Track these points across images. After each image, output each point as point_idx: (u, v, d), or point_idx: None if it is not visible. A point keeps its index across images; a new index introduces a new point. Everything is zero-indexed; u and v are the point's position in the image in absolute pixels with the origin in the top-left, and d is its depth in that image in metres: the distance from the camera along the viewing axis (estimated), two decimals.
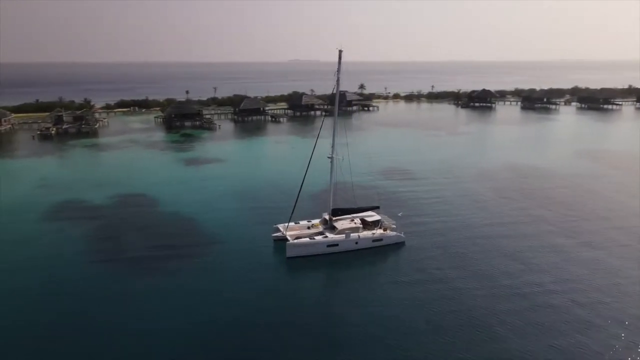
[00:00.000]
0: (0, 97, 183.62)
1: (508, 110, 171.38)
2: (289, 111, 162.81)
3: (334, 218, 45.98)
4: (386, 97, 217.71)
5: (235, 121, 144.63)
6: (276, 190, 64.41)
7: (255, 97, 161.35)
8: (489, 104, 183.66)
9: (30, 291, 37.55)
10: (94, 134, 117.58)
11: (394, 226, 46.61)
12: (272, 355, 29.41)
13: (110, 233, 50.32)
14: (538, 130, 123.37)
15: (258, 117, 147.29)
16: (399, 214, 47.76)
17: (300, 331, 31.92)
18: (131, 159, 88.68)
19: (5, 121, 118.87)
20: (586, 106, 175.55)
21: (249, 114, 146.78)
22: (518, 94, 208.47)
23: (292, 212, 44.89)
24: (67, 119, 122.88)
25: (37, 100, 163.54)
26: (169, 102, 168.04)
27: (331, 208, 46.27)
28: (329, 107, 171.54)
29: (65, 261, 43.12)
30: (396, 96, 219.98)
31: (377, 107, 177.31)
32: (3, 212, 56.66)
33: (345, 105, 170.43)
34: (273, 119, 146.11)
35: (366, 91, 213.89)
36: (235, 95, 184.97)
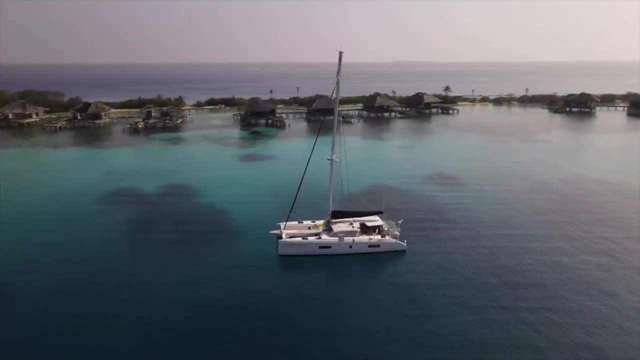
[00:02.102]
0: (108, 94, 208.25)
1: (610, 117, 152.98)
2: (363, 112, 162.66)
3: (333, 220, 45.79)
4: (473, 100, 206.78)
5: (308, 121, 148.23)
6: (319, 189, 64.46)
7: (321, 97, 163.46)
8: (588, 109, 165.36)
9: (70, 260, 43.67)
10: (175, 128, 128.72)
11: (397, 233, 45.07)
12: (236, 347, 30.69)
13: (147, 217, 55.70)
14: (631, 140, 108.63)
15: (331, 117, 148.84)
16: (400, 221, 46.01)
17: (269, 325, 32.89)
18: (193, 152, 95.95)
19: (105, 115, 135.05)
20: None
21: (321, 114, 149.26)
22: (626, 98, 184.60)
23: (290, 211, 45.68)
24: (155, 114, 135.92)
25: (140, 97, 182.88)
26: (253, 100, 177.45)
27: (330, 210, 46.11)
28: (407, 109, 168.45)
29: (102, 238, 48.98)
30: (484, 99, 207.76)
31: (458, 110, 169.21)
32: (68, 194, 64.95)
33: (423, 107, 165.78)
34: (344, 120, 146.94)
35: (451, 93, 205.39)
36: (317, 95, 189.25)
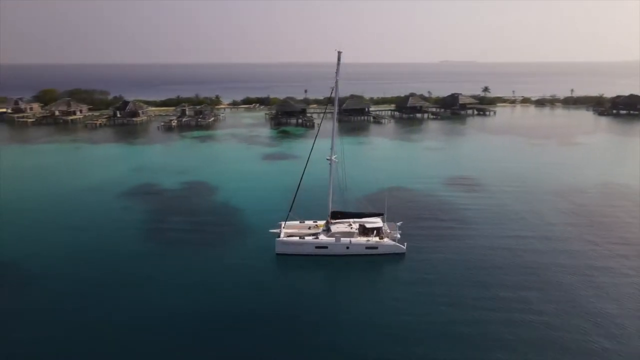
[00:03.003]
0: (150, 93, 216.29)
1: None
2: (396, 113, 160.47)
3: (333, 221, 45.43)
4: (513, 102, 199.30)
5: (339, 121, 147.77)
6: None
7: (360, 97, 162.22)
8: (637, 112, 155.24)
9: (85, 245, 46.95)
10: (207, 127, 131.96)
11: (398, 236, 44.12)
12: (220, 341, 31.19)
13: (160, 212, 57.53)
14: None
15: (362, 117, 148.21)
16: (398, 223, 44.97)
17: (259, 321, 33.29)
18: (218, 150, 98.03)
19: (142, 113, 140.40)
20: None
21: (351, 114, 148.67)
22: None
23: (290, 210, 45.70)
24: (189, 113, 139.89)
25: (178, 96, 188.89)
26: (284, 100, 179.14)
27: (330, 210, 45.73)
28: (441, 110, 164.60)
29: (116, 227, 51.73)
30: (525, 100, 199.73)
31: (495, 111, 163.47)
32: (94, 188, 67.96)
33: (458, 108, 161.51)
34: (375, 120, 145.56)
35: (490, 94, 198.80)
36: (351, 96, 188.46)
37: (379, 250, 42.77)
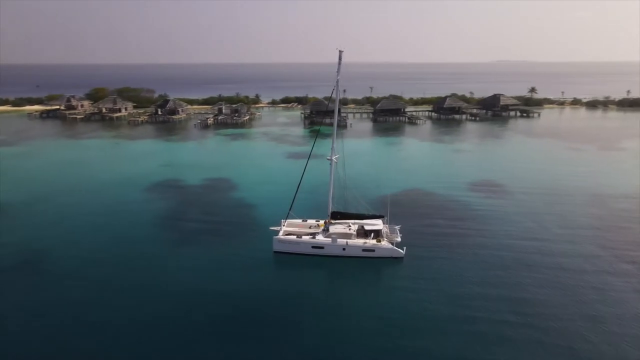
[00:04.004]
0: (194, 92, 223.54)
1: None
2: (433, 114, 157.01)
3: (332, 221, 45.24)
4: (562, 103, 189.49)
5: (374, 121, 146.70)
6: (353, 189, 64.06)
7: (397, 97, 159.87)
8: None
9: (103, 234, 49.88)
10: (241, 125, 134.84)
11: (398, 239, 43.31)
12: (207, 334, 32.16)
13: (177, 207, 59.59)
14: None
15: (397, 117, 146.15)
16: (397, 227, 44.04)
17: (246, 313, 34.15)
18: (247, 148, 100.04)
19: (182, 111, 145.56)
20: None
21: (387, 114, 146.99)
22: None
23: (290, 208, 45.98)
24: (226, 111, 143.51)
25: (219, 95, 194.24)
26: (326, 99, 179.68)
27: (330, 211, 45.55)
28: (481, 111, 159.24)
29: (135, 219, 54.39)
30: (575, 102, 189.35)
31: (539, 113, 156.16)
32: (122, 181, 71.31)
33: (499, 109, 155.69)
34: (410, 121, 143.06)
35: (537, 95, 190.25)
36: (391, 96, 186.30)
37: (376, 253, 42.14)
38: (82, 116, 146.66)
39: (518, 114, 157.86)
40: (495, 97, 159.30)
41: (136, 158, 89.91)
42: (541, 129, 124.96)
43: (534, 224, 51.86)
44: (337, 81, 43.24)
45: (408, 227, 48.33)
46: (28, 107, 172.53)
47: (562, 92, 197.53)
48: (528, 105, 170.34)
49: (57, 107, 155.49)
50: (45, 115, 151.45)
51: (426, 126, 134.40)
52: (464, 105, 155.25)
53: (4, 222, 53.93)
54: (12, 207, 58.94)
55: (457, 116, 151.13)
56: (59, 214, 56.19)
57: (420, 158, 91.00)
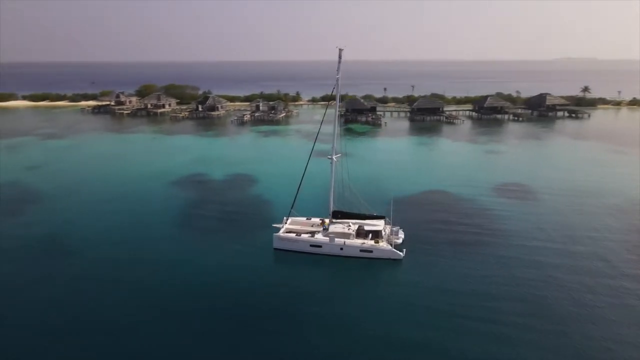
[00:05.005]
0: (238, 89, 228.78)
1: None
2: (473, 113, 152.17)
3: (334, 220, 45.33)
4: (618, 103, 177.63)
5: (411, 120, 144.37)
6: (371, 190, 62.12)
7: (433, 96, 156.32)
8: None
9: (123, 223, 53.16)
10: (276, 122, 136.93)
11: (398, 241, 42.77)
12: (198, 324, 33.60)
13: (197, 200, 62.15)
14: None
15: (435, 117, 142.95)
16: (395, 228, 43.35)
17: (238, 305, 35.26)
18: (275, 144, 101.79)
19: (221, 108, 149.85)
20: None
21: (424, 114, 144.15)
22: None
23: (292, 206, 46.47)
24: (263, 108, 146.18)
25: (261, 92, 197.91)
26: (366, 97, 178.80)
27: (331, 210, 45.61)
28: (525, 111, 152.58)
29: (159, 211, 57.11)
30: (634, 102, 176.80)
31: (589, 114, 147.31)
32: (151, 175, 74.61)
33: (545, 110, 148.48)
34: (448, 120, 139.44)
35: (590, 94, 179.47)
36: (432, 95, 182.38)
37: (374, 254, 41.81)
38: (128, 111, 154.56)
39: (566, 114, 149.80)
40: (541, 97, 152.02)
41: (170, 152, 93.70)
42: (587, 131, 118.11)
43: (552, 228, 49.46)
44: (338, 79, 43.17)
45: (418, 228, 47.81)
46: (83, 103, 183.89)
47: (619, 92, 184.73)
48: (579, 106, 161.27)
49: (108, 102, 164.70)
50: (96, 111, 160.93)
51: (464, 126, 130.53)
52: (507, 104, 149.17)
53: (39, 208, 58.30)
54: (49, 195, 63.44)
55: (499, 116, 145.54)
56: (87, 203, 60.09)
57: (447, 158, 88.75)
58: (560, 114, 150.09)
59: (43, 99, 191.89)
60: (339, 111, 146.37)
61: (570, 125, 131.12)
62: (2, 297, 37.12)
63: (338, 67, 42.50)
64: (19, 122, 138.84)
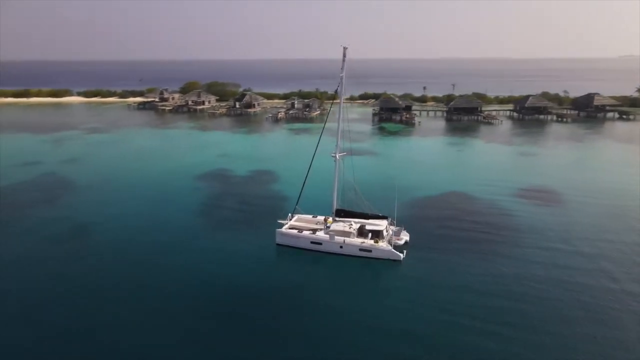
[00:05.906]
0: (277, 86, 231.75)
1: None
2: (514, 114, 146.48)
3: (337, 219, 45.40)
4: None
5: (447, 120, 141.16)
6: (380, 188, 62.07)
7: (478, 95, 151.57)
8: None
9: (148, 214, 55.70)
10: (310, 120, 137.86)
11: (401, 242, 42.27)
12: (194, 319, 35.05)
13: (218, 195, 63.50)
14: None
15: (472, 116, 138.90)
16: (394, 228, 42.73)
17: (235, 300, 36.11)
18: (303, 142, 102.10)
19: (257, 105, 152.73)
20: None
21: (460, 113, 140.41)
22: None
23: (297, 203, 46.95)
24: (298, 105, 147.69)
25: (300, 90, 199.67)
26: (405, 96, 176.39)
27: (335, 208, 45.65)
28: (570, 112, 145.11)
29: (179, 203, 59.35)
30: None
31: None
32: (178, 170, 77.24)
33: (593, 110, 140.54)
34: (485, 120, 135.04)
35: None
36: (474, 94, 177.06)
37: (373, 254, 41.54)
38: (170, 108, 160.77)
39: (616, 116, 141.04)
40: (589, 97, 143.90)
41: (201, 148, 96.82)
42: (634, 134, 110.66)
43: (573, 236, 46.98)
44: (342, 78, 43.17)
45: (426, 230, 46.96)
46: (131, 99, 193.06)
47: None
48: (634, 107, 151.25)
49: (152, 99, 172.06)
50: (141, 107, 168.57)
51: (502, 127, 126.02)
52: (550, 104, 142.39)
53: (72, 199, 61.65)
54: (83, 187, 67.22)
55: (541, 117, 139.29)
56: (115, 196, 62.81)
57: (474, 160, 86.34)
58: (610, 115, 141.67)
59: (95, 95, 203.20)
60: (372, 110, 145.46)
61: (619, 127, 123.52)
62: (29, 272, 40.23)
63: (342, 66, 42.52)
64: (69, 117, 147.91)
